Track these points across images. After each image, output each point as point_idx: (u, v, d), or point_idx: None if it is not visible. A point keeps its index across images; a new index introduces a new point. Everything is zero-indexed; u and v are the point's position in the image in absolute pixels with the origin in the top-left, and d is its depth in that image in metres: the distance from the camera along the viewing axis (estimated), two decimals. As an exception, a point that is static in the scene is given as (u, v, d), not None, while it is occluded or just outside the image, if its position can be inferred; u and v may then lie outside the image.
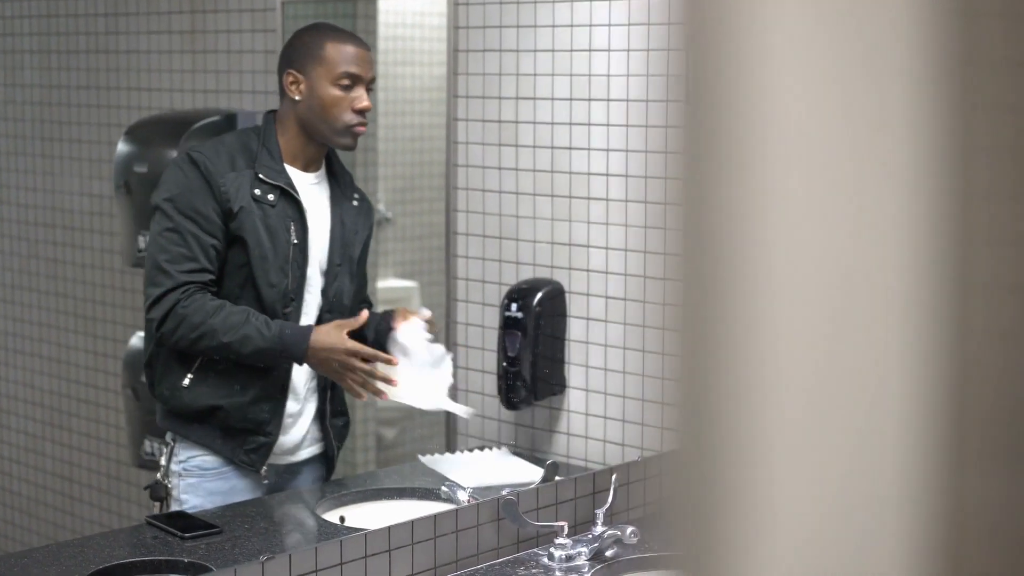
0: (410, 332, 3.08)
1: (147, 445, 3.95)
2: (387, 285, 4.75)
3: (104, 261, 4.62)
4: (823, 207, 0.48)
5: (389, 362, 3.02)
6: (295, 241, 3.02)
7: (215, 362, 2.99)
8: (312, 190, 3.11)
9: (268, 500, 3.14)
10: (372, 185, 4.45)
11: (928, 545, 0.51)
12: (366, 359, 2.97)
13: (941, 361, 0.49)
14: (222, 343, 2.91)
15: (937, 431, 0.50)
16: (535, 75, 3.53)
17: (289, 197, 3.02)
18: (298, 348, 2.94)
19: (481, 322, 3.62)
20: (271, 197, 2.99)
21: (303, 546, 2.88)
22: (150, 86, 4.33)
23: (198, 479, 3.06)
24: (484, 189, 3.61)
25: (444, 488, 3.22)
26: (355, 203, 3.19)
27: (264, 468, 3.08)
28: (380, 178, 4.58)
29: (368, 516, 3.12)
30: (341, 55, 3.03)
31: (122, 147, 3.91)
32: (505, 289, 3.54)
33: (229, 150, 3.02)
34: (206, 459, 3.07)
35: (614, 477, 3.18)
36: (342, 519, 3.08)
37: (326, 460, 3.25)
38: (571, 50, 3.47)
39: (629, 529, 3.03)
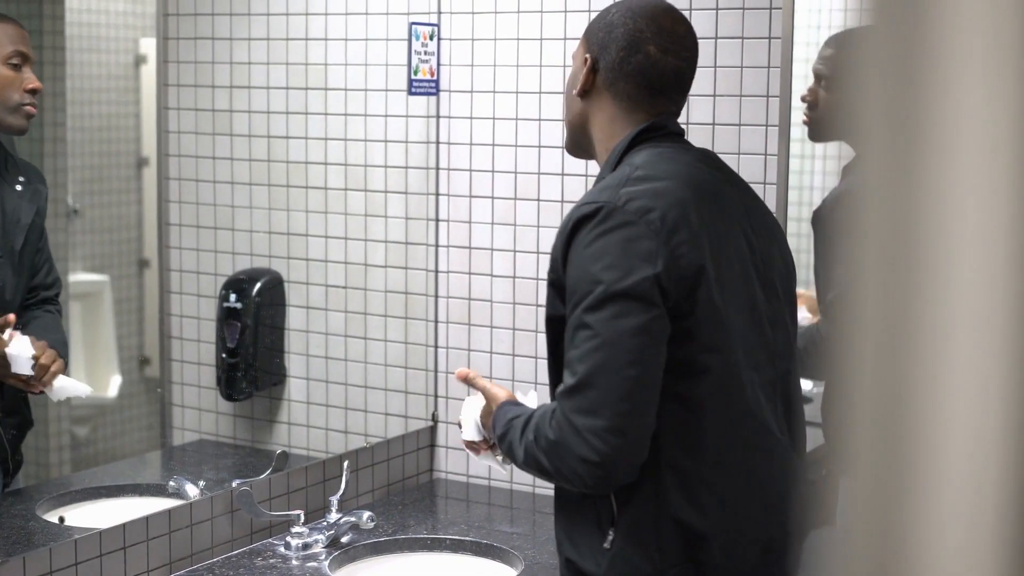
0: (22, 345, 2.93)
1: None
2: (77, 279, 4.59)
3: None
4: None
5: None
6: None
7: None
8: None
9: (-17, 503, 3.00)
10: (61, 176, 4.29)
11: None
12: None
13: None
14: None
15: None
16: (249, 64, 3.50)
17: None
18: None
19: (197, 314, 3.57)
20: None
21: (35, 548, 2.77)
22: None
23: None
24: (197, 179, 3.55)
25: (172, 483, 3.16)
26: (19, 187, 3.01)
27: None
28: (69, 169, 4.42)
29: (88, 515, 3.03)
30: (7, 34, 2.89)
31: None
32: (222, 280, 3.50)
33: None
34: None
35: (345, 464, 3.21)
36: (61, 519, 2.98)
37: (2, 463, 3.06)
38: (287, 39, 3.46)
39: (366, 514, 3.07)
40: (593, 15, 3.25)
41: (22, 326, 2.90)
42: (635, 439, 2.07)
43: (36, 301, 3.04)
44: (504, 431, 2.26)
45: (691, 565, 2.15)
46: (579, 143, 2.36)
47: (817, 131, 3.02)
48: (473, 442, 2.47)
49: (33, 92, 2.90)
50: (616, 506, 2.15)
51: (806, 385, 2.46)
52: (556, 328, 2.18)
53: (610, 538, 2.15)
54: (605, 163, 2.27)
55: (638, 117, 2.26)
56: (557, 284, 2.17)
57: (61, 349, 2.93)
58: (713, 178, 2.26)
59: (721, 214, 2.20)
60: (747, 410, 2.17)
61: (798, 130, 3.09)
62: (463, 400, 2.63)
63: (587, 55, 2.27)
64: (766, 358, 2.22)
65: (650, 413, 2.08)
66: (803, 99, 3.02)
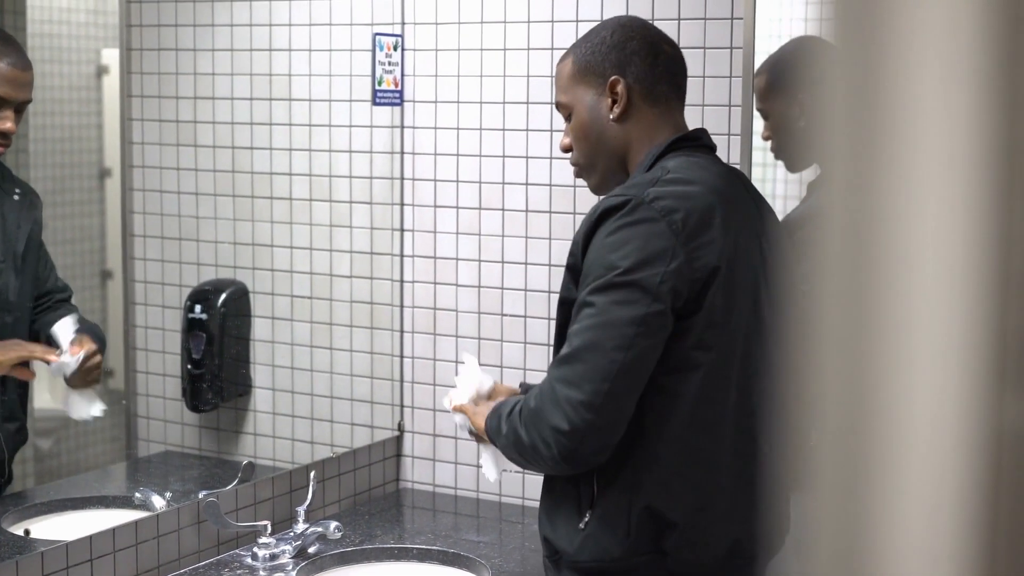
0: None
1: None
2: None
3: None
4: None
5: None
6: None
7: None
8: None
9: (-55, 516, 2.99)
10: (24, 187, 4.27)
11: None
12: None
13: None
14: None
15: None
16: (213, 74, 3.50)
17: None
18: None
19: (161, 325, 3.56)
20: None
21: (1, 561, 2.76)
22: None
23: None
24: (162, 190, 3.55)
25: (138, 495, 3.15)
26: (16, 197, 3.07)
27: None
28: (31, 180, 4.40)
29: (54, 528, 3.02)
30: None
31: None
32: (187, 291, 3.50)
33: None
34: None
35: (312, 474, 3.21)
36: (27, 532, 2.97)
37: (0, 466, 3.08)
38: (251, 50, 3.46)
39: (333, 524, 3.07)
40: (557, 25, 3.28)
41: (38, 331, 2.95)
42: (607, 420, 2.15)
43: (51, 304, 3.09)
44: (495, 418, 2.36)
45: (659, 555, 2.23)
46: (615, 174, 2.39)
47: (788, 163, 3.05)
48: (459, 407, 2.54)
49: (4, 135, 2.91)
50: (596, 491, 2.25)
51: None
52: (567, 311, 2.26)
53: (586, 519, 2.25)
54: (639, 165, 2.33)
55: (671, 120, 2.36)
56: (574, 268, 2.25)
57: (99, 343, 3.00)
58: (738, 190, 2.34)
59: (742, 224, 2.28)
60: (733, 411, 2.24)
61: (760, 139, 3.11)
62: (430, 410, 2.65)
63: (614, 77, 2.33)
64: (765, 369, 2.27)
65: (627, 399, 2.16)
66: (764, 138, 3.07)
